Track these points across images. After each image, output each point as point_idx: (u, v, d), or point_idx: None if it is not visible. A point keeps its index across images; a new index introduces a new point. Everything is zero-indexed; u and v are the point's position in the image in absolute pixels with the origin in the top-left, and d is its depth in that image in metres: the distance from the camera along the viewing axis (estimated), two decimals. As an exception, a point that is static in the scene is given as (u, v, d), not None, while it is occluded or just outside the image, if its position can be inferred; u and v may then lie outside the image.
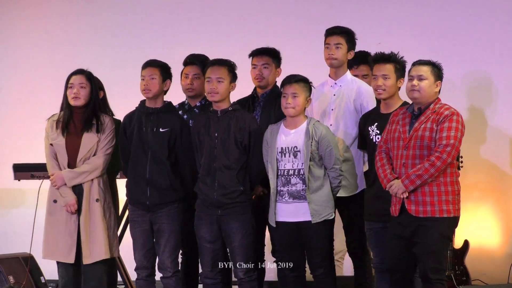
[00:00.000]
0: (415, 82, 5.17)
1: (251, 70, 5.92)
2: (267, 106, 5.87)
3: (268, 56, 5.90)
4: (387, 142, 5.29)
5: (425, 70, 5.18)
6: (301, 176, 5.44)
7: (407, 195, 5.11)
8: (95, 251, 5.62)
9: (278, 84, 5.93)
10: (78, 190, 5.64)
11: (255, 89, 5.99)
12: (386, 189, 5.20)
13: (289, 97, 5.44)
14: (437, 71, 5.22)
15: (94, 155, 5.66)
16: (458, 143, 5.11)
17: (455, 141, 5.07)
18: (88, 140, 5.65)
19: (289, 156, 5.47)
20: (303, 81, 5.48)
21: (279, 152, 5.48)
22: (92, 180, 5.64)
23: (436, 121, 5.12)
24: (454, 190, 5.13)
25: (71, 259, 5.61)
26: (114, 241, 5.73)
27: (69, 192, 5.62)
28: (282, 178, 5.47)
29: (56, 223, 5.65)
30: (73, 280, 5.69)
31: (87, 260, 5.60)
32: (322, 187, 5.46)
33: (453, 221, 5.15)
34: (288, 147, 5.48)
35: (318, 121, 5.61)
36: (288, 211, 5.46)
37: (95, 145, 5.65)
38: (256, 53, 5.93)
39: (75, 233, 5.61)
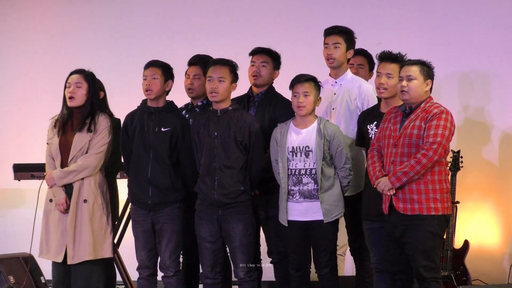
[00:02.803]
0: (404, 83, 5.18)
1: (249, 68, 5.89)
2: (262, 106, 5.86)
3: (267, 55, 5.90)
4: (379, 140, 5.33)
5: (414, 70, 5.19)
6: (312, 175, 5.44)
7: (394, 192, 5.14)
8: (80, 252, 5.58)
9: (275, 85, 5.94)
10: (69, 189, 5.63)
11: (250, 88, 5.98)
12: (374, 186, 5.24)
13: (301, 95, 5.44)
14: (427, 70, 5.22)
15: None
16: (446, 141, 5.12)
17: (442, 138, 5.08)
18: (80, 139, 5.62)
19: (301, 156, 5.47)
20: (312, 80, 5.48)
21: (290, 152, 5.48)
22: (82, 179, 5.62)
23: (425, 119, 5.14)
24: (443, 188, 5.15)
25: (60, 259, 5.60)
26: (106, 242, 5.67)
27: (60, 192, 5.62)
28: (293, 177, 5.47)
29: (50, 222, 5.65)
30: (63, 280, 5.67)
31: (71, 260, 5.58)
32: (332, 186, 5.47)
33: (443, 219, 5.17)
34: (299, 147, 5.47)
35: (328, 120, 5.62)
36: (299, 210, 5.46)
37: (86, 144, 5.62)
38: (257, 51, 5.93)
39: (66, 232, 5.60)
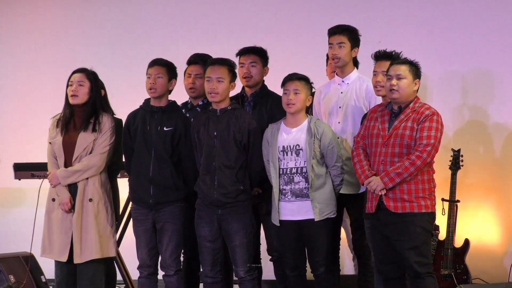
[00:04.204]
0: (393, 81, 5.19)
1: (238, 69, 5.86)
2: (258, 105, 5.86)
3: (255, 54, 5.89)
4: (364, 138, 5.34)
5: (403, 69, 5.20)
6: (303, 174, 5.43)
7: (385, 192, 5.15)
8: (86, 251, 5.60)
9: (267, 83, 5.94)
10: (73, 189, 5.64)
11: (243, 88, 5.97)
12: (364, 185, 5.26)
13: (291, 93, 5.44)
14: (415, 70, 5.23)
15: (90, 154, 5.65)
16: (438, 143, 5.16)
17: (435, 141, 5.12)
18: (84, 139, 5.63)
19: (291, 155, 5.47)
20: (304, 79, 5.48)
21: (281, 151, 5.48)
22: (87, 179, 5.63)
23: (417, 120, 5.16)
24: (431, 187, 5.21)
25: (64, 258, 5.61)
26: (110, 241, 5.70)
27: (64, 191, 5.62)
28: (285, 176, 5.47)
29: (53, 221, 5.65)
30: (66, 279, 5.68)
31: (77, 259, 5.59)
32: (324, 185, 5.46)
33: (432, 216, 5.24)
34: (290, 146, 5.47)
35: (319, 119, 5.62)
36: (291, 210, 5.46)
37: (91, 144, 5.64)
38: (243, 52, 5.92)
39: (70, 231, 5.60)
